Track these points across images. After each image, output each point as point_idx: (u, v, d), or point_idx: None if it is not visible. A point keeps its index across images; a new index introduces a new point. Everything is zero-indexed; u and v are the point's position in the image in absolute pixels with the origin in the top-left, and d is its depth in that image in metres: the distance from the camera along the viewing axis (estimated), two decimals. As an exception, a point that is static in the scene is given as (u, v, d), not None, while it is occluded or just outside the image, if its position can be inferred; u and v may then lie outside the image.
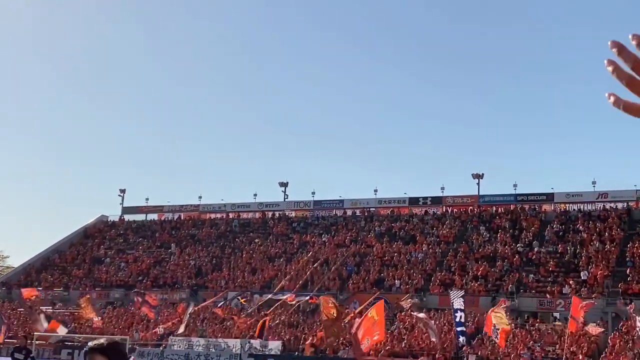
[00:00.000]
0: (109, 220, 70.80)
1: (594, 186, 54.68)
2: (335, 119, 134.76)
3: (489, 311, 30.26)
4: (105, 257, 62.18)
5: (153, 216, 69.40)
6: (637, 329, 31.78)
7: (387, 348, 34.38)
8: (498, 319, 28.10)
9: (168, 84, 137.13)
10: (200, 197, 68.80)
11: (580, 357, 31.57)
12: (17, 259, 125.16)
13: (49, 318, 41.54)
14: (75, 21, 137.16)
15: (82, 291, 55.59)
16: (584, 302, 29.86)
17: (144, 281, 55.93)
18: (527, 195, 56.19)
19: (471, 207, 56.85)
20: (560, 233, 49.10)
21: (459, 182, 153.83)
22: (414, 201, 59.76)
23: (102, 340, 3.91)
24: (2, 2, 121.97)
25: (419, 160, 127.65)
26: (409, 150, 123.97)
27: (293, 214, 63.76)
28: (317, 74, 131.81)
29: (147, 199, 70.36)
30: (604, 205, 51.93)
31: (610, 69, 1.66)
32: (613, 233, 46.67)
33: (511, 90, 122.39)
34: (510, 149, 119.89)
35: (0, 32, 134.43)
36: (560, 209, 53.82)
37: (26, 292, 52.16)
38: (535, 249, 47.34)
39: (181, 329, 39.86)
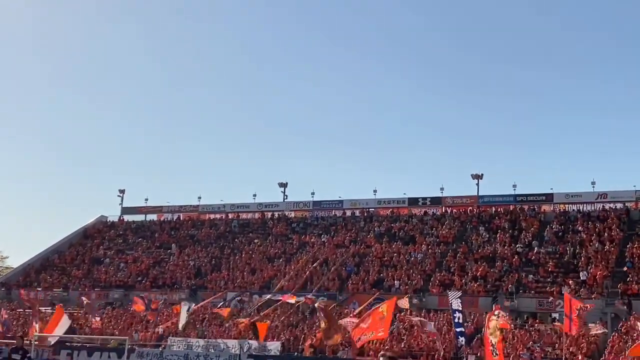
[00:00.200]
0: (108, 220, 70.82)
1: (593, 187, 54.75)
2: (334, 119, 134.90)
3: (484, 329, 29.98)
4: (105, 258, 62.16)
5: (152, 216, 69.42)
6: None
7: (385, 348, 34.31)
8: (492, 334, 27.86)
9: (167, 84, 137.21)
10: (199, 198, 68.98)
11: (580, 358, 31.53)
12: (17, 259, 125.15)
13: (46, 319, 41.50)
14: (75, 21, 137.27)
15: (81, 291, 55.59)
16: (581, 305, 29.85)
17: (143, 282, 55.93)
18: (527, 195, 56.23)
19: (470, 208, 56.88)
20: (560, 233, 49.12)
21: (458, 182, 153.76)
22: (413, 201, 59.77)
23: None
24: (2, 2, 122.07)
25: (418, 160, 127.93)
26: (408, 150, 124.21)
27: (292, 215, 63.80)
28: (317, 75, 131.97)
29: (146, 200, 70.50)
30: (603, 206, 51.96)
31: None
32: (612, 233, 46.70)
33: (510, 90, 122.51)
34: (509, 149, 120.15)
35: (0, 32, 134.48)
36: (560, 210, 53.85)
37: (24, 292, 52.19)
38: (535, 250, 47.36)
39: (180, 328, 39.82)
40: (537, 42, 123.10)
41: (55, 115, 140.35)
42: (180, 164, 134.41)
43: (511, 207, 55.03)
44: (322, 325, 33.22)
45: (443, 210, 57.85)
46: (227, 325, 42.13)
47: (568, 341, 32.30)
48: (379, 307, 30.06)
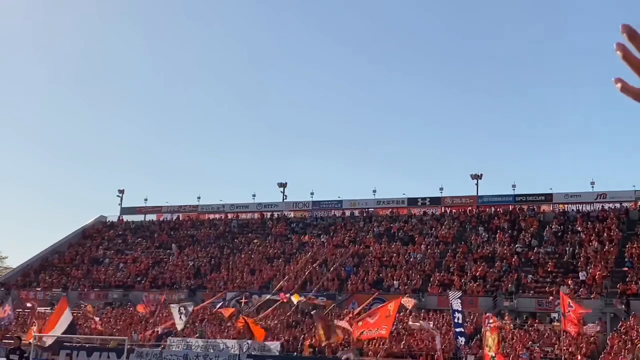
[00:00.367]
0: (107, 220, 70.79)
1: (592, 187, 54.79)
2: (333, 119, 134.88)
3: (482, 337, 29.94)
4: (104, 258, 62.14)
5: (152, 217, 69.39)
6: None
7: (385, 348, 34.35)
8: (489, 349, 27.84)
9: (166, 84, 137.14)
10: (199, 198, 68.99)
11: (579, 358, 31.55)
12: (16, 260, 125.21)
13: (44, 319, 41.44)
14: (75, 23, 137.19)
15: (80, 292, 55.56)
16: (581, 311, 29.95)
17: (143, 282, 55.92)
18: (526, 195, 56.25)
19: (470, 208, 56.88)
20: (559, 233, 49.13)
21: (457, 182, 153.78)
22: (412, 202, 59.78)
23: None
24: (2, 3, 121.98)
25: (417, 160, 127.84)
26: (407, 150, 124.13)
27: (292, 215, 63.80)
28: (316, 76, 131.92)
29: (145, 200, 70.49)
30: (602, 206, 51.99)
31: (619, 53, 1.63)
32: (611, 233, 46.71)
33: (510, 91, 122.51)
34: (509, 149, 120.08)
35: (0, 32, 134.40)
36: (559, 210, 53.87)
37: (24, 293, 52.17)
38: (534, 250, 47.36)
39: (179, 327, 39.74)
40: (538, 42, 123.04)
41: (54, 116, 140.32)
42: (180, 164, 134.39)
43: (510, 207, 55.05)
44: (320, 332, 33.28)
45: (442, 211, 57.87)
46: (227, 324, 42.11)
47: (567, 341, 32.33)
48: (387, 304, 30.18)
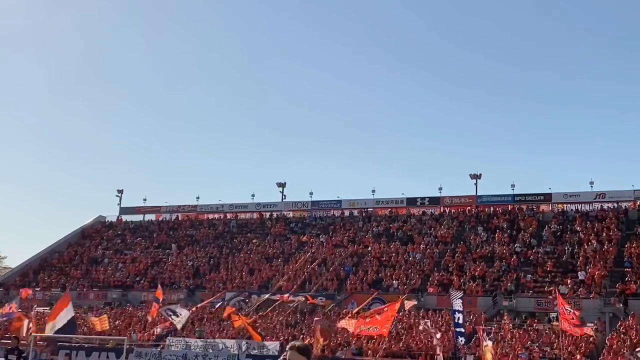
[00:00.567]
0: (106, 220, 70.79)
1: (591, 186, 54.74)
2: (333, 119, 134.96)
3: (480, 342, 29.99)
4: (103, 258, 62.12)
5: (151, 217, 69.39)
6: None
7: (384, 348, 34.35)
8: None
9: (165, 84, 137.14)
10: (197, 198, 68.95)
11: (578, 357, 31.56)
12: (15, 260, 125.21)
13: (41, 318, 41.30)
14: (75, 23, 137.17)
15: (79, 292, 55.52)
16: (573, 312, 29.98)
17: (142, 282, 55.90)
18: (525, 195, 56.23)
19: (469, 208, 56.88)
20: (558, 233, 49.14)
21: (456, 182, 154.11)
22: (411, 201, 59.78)
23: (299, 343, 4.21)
24: (2, 3, 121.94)
25: (416, 160, 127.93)
26: (406, 150, 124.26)
27: (291, 215, 63.79)
28: (316, 76, 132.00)
29: (144, 200, 70.52)
30: (601, 206, 51.99)
31: None
32: (611, 233, 46.72)
33: (509, 91, 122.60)
34: (508, 149, 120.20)
35: (0, 33, 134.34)
36: (558, 209, 53.86)
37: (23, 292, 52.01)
38: (533, 249, 47.36)
39: (178, 327, 39.71)
40: (537, 43, 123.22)
41: (54, 116, 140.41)
42: (179, 164, 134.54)
43: (509, 207, 55.05)
44: (319, 339, 33.23)
45: (441, 210, 57.87)
46: (225, 323, 42.07)
47: (566, 341, 32.33)
48: (394, 304, 30.31)
